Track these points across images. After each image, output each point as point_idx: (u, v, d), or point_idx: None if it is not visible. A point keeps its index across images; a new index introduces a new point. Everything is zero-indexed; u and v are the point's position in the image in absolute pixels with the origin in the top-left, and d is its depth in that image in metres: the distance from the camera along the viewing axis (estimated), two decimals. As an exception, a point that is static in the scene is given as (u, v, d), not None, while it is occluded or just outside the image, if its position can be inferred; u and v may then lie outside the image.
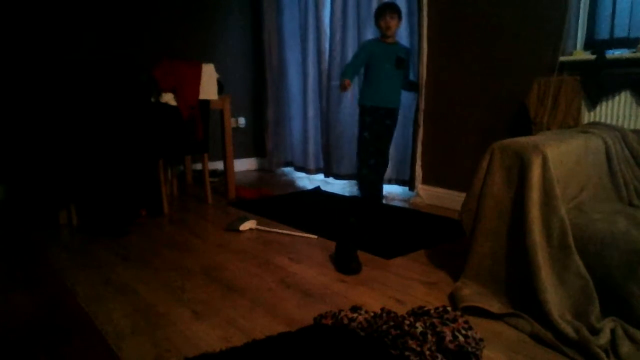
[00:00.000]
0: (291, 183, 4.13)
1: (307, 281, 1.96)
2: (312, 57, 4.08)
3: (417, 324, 1.35)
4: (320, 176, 4.20)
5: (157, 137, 3.01)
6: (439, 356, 1.27)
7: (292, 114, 4.47)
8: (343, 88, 3.08)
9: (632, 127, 2.19)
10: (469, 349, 1.30)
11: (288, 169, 4.65)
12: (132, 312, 1.70)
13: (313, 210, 3.12)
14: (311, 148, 4.25)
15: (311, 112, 4.19)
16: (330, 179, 4.07)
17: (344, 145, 3.85)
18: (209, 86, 3.18)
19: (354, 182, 3.93)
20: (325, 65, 3.92)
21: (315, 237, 2.55)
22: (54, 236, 2.63)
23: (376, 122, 3.19)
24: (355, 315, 1.48)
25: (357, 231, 2.39)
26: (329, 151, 3.97)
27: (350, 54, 3.64)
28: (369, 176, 3.26)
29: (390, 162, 3.45)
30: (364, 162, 3.25)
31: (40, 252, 2.36)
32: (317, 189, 3.79)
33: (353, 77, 3.19)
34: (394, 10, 3.06)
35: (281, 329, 1.55)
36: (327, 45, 3.87)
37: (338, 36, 3.72)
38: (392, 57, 3.12)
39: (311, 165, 4.28)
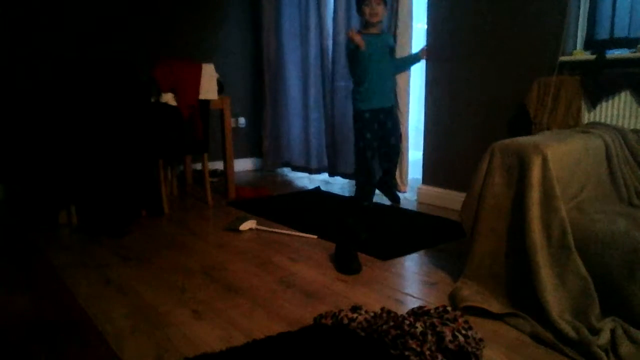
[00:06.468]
0: (291, 183, 4.13)
1: (307, 281, 1.96)
2: (312, 56, 4.07)
3: (417, 324, 1.35)
4: (320, 176, 4.19)
5: (157, 137, 3.01)
6: (439, 356, 1.27)
7: (290, 114, 4.45)
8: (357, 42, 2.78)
9: (632, 127, 2.19)
10: (469, 349, 1.30)
11: (286, 169, 4.64)
12: (132, 312, 1.70)
13: (313, 210, 3.12)
14: (311, 147, 4.23)
15: (311, 112, 4.17)
16: (331, 179, 4.06)
17: (349, 144, 3.82)
18: (209, 86, 3.18)
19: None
20: (328, 64, 3.89)
21: (315, 237, 2.55)
22: (54, 236, 2.63)
23: (376, 126, 3.07)
24: (355, 315, 1.48)
25: (357, 231, 2.39)
26: (334, 150, 3.95)
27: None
28: (367, 186, 3.18)
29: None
30: (362, 172, 3.16)
31: (40, 252, 2.36)
32: (317, 189, 3.78)
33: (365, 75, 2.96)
34: None
35: (281, 329, 1.55)
36: (329, 45, 3.85)
37: (341, 35, 3.70)
38: (385, 50, 2.99)
39: (311, 164, 4.26)
